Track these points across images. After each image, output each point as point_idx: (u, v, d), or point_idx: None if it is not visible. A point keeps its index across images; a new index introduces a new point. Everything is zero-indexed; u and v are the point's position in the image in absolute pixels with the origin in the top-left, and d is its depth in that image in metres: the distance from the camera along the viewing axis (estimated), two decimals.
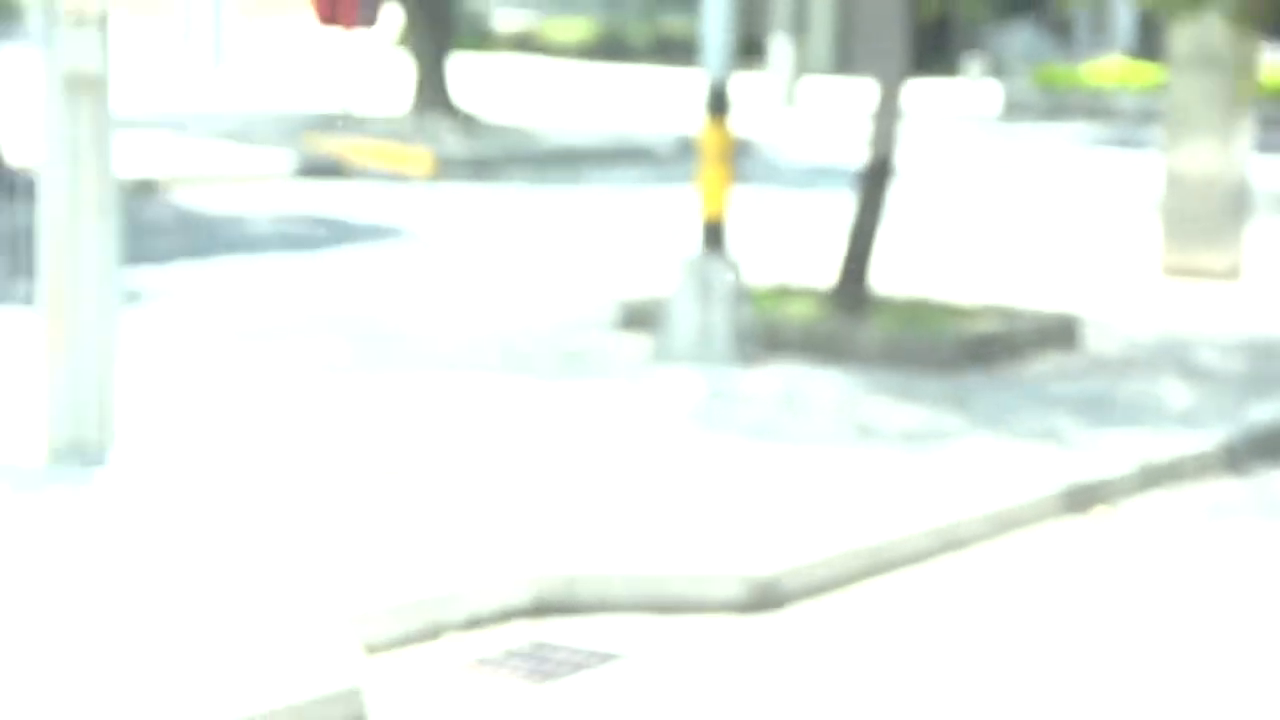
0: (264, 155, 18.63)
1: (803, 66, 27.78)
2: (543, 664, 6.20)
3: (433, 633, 6.35)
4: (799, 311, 11.16)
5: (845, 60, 31.18)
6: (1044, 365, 10.86)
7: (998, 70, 30.56)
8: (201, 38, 25.60)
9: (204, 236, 14.63)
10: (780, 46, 27.13)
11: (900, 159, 11.65)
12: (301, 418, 8.76)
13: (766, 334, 10.75)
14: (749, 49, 24.46)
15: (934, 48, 27.53)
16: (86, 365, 7.69)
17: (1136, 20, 33.46)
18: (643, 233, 15.17)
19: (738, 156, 11.41)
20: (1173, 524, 8.21)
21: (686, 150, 21.14)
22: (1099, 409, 9.73)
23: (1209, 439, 9.18)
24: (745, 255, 11.06)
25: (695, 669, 6.23)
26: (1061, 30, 33.42)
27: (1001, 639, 6.63)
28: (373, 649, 6.12)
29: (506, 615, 6.55)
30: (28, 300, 8.09)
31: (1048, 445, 8.89)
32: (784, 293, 11.58)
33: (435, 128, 21.20)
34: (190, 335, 10.61)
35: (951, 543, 7.65)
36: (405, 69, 23.00)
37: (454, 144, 20.32)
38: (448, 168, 19.16)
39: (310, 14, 21.75)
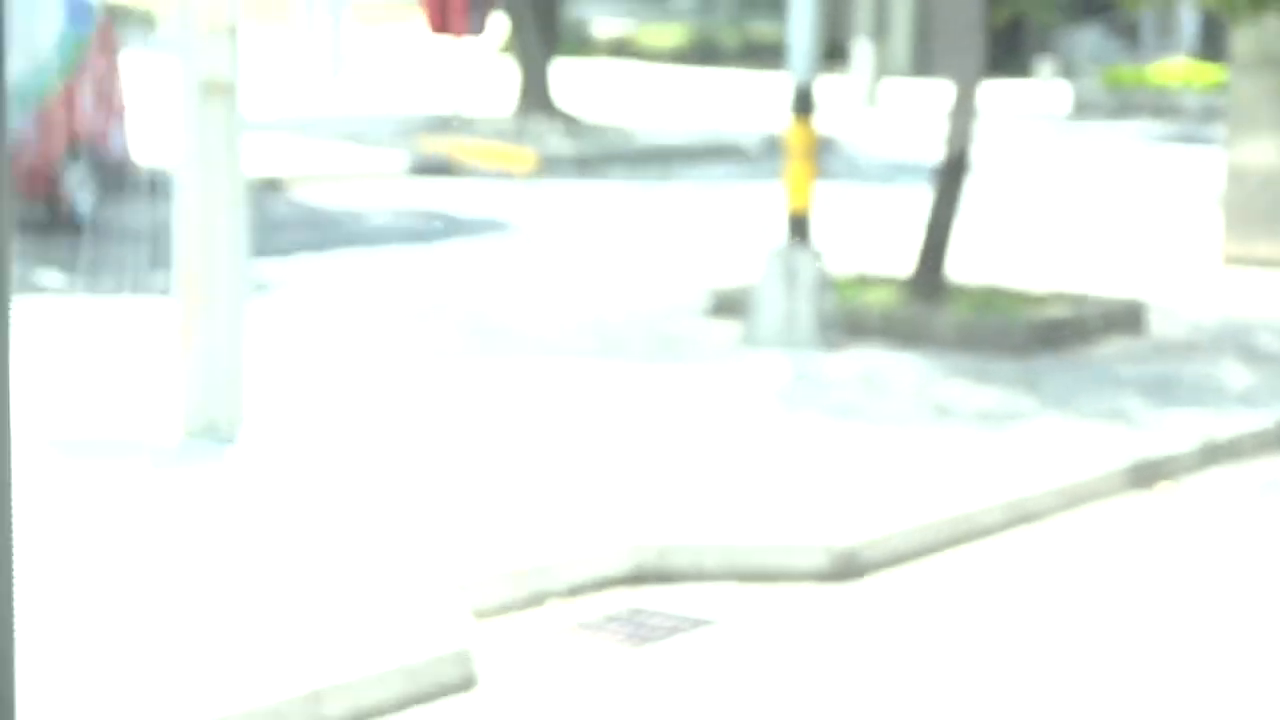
0: (380, 155, 18.72)
1: (883, 69, 27.65)
2: (640, 629, 6.21)
3: (537, 599, 6.38)
4: (879, 299, 11.11)
5: (923, 63, 31.01)
6: (1111, 349, 10.78)
7: (1068, 71, 30.31)
8: (322, 47, 25.74)
9: (325, 231, 14.72)
10: (862, 50, 27.00)
11: (975, 155, 11.57)
12: (415, 399, 8.80)
13: (848, 320, 10.72)
14: (832, 53, 24.33)
15: (1007, 50, 27.31)
16: (218, 350, 7.75)
17: (1200, 23, 33.11)
18: (732, 225, 15.15)
19: (821, 154, 11.36)
20: (1232, 499, 8.14)
21: (774, 148, 21.09)
22: (1163, 390, 9.66)
23: (1267, 418, 9.09)
24: (828, 246, 11.02)
25: (781, 634, 6.23)
26: (1129, 33, 33.11)
27: (1069, 609, 6.60)
28: (482, 614, 6.15)
29: (605, 583, 6.56)
30: (164, 290, 8.16)
31: (1114, 424, 8.83)
32: (865, 281, 11.54)
33: (538, 128, 21.24)
34: (312, 322, 10.68)
35: (1023, 516, 7.61)
36: (510, 74, 23.04)
37: (556, 143, 20.35)
38: (550, 166, 19.19)
39: (422, 23, 21.81)
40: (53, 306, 10.44)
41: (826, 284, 10.57)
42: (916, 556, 7.09)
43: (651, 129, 22.40)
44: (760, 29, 32.28)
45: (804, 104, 10.58)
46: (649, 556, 6.70)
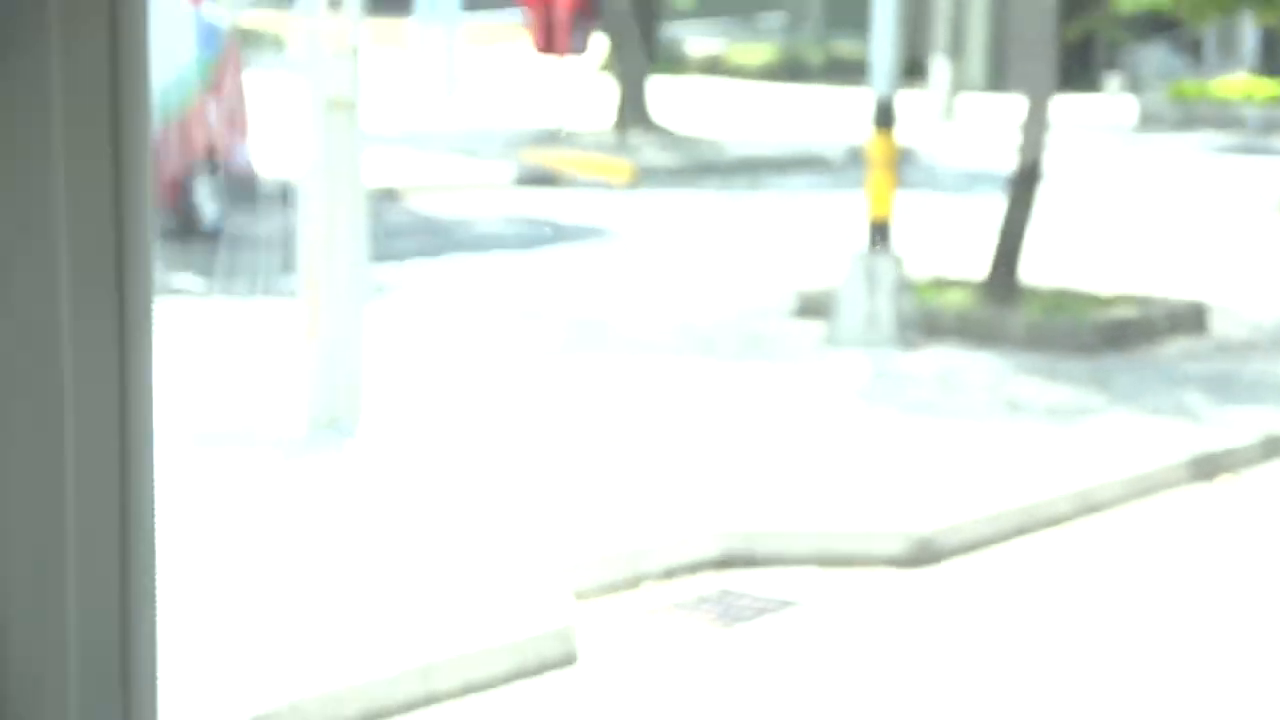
0: (488, 167, 18.80)
1: (959, 84, 27.50)
2: (729, 609, 6.22)
3: (634, 581, 6.39)
4: (955, 300, 11.06)
5: (998, 78, 30.81)
6: (1175, 348, 10.69)
7: (1134, 86, 30.04)
8: (437, 67, 25.88)
9: (437, 237, 14.80)
10: (939, 66, 26.87)
11: (1047, 165, 11.50)
12: (520, 394, 8.84)
13: (926, 321, 10.68)
14: (912, 69, 24.23)
15: (1078, 66, 27.10)
16: (339, 349, 7.81)
17: (1261, 40, 32.73)
18: (817, 232, 15.12)
19: (901, 164, 11.32)
20: None
21: (856, 159, 21.03)
22: (1224, 387, 9.56)
23: None
24: (907, 251, 10.98)
25: (861, 616, 6.22)
26: (1192, 50, 32.78)
27: (1134, 595, 6.55)
28: (582, 595, 6.17)
29: (697, 567, 6.57)
30: (290, 293, 8.25)
31: (1178, 419, 8.75)
32: (941, 284, 11.49)
33: (635, 141, 21.26)
34: (426, 323, 10.75)
35: (1090, 506, 7.57)
36: (610, 90, 23.08)
37: (652, 155, 20.37)
38: (646, 176, 19.21)
39: (529, 44, 21.91)
40: (189, 308, 10.56)
41: (905, 287, 10.53)
42: (989, 544, 7.06)
43: (741, 141, 22.38)
44: (844, 47, 32.18)
45: (885, 117, 10.55)
46: (738, 542, 6.71)
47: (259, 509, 6.68)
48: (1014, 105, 13.72)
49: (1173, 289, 12.36)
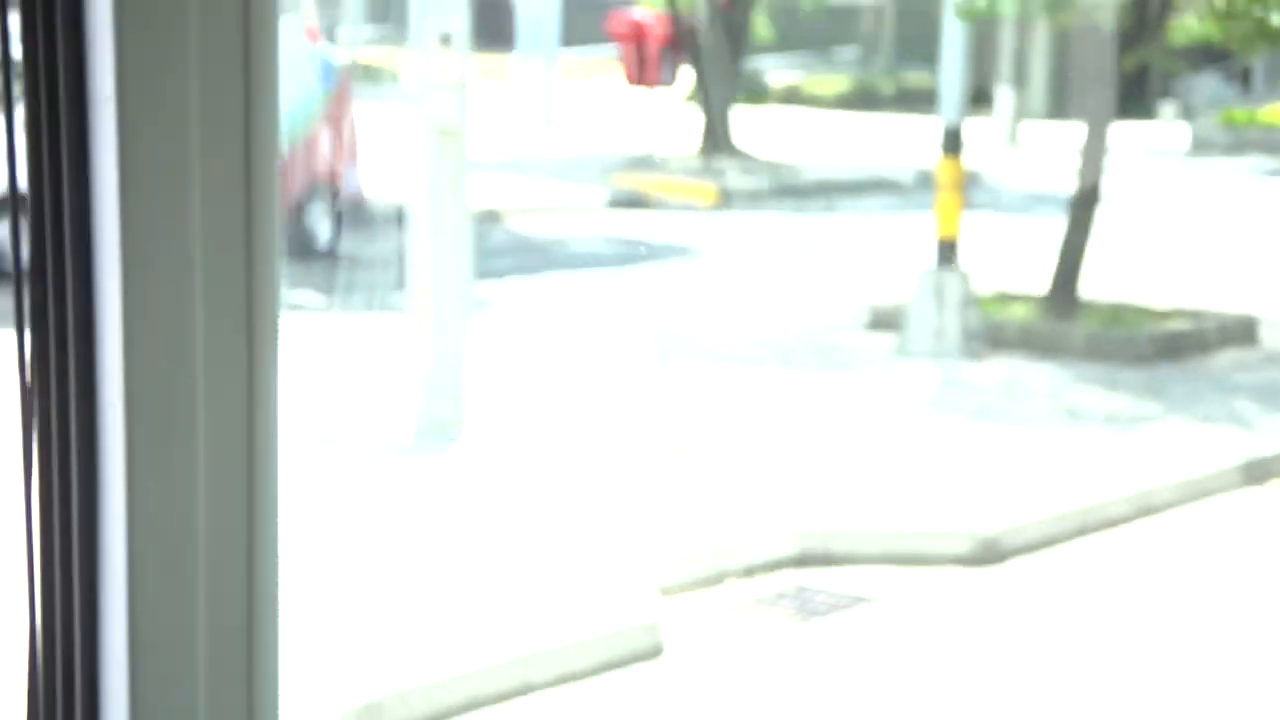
0: (582, 191, 18.85)
1: (1022, 112, 27.31)
2: (806, 605, 6.20)
3: (716, 579, 6.38)
4: (1018, 314, 10.99)
5: (1059, 107, 30.58)
6: (1226, 359, 10.56)
7: (1187, 113, 29.74)
8: (536, 99, 25.98)
9: (535, 256, 14.85)
10: (1004, 96, 26.70)
11: (1105, 187, 11.40)
12: (611, 402, 8.85)
13: (991, 333, 10.61)
14: (978, 98, 24.11)
15: (1134, 95, 26.85)
16: (444, 360, 7.85)
17: None
18: (888, 250, 15.06)
19: (968, 187, 11.27)
20: None
21: (926, 182, 20.94)
22: (1275, 395, 9.43)
23: None
24: (974, 268, 10.92)
25: (931, 611, 6.19)
26: (1242, 79, 32.41)
27: (1189, 593, 6.48)
28: (667, 591, 6.17)
29: (776, 565, 6.56)
30: (398, 308, 8.31)
31: (1230, 426, 8.65)
32: (1006, 298, 11.41)
33: (719, 166, 21.25)
34: (524, 336, 10.79)
35: (1147, 508, 7.49)
36: (695, 119, 23.09)
37: (734, 179, 20.35)
38: (729, 199, 19.19)
39: (621, 76, 21.98)
40: (309, 322, 10.65)
41: (971, 301, 10.47)
42: (1051, 544, 7.00)
43: (818, 166, 22.33)
44: (914, 78, 32.06)
45: (953, 143, 10.50)
46: (814, 541, 6.68)
47: (371, 508, 6.72)
48: (1074, 132, 13.60)
49: (1224, 303, 12.21)
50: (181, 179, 1.18)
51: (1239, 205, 19.81)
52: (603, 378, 9.48)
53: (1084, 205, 11.12)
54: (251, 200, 1.21)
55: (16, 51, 1.19)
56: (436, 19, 7.72)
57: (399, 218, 8.43)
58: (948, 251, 10.53)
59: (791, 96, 32.98)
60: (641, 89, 21.23)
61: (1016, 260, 14.01)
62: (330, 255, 13.16)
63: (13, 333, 1.22)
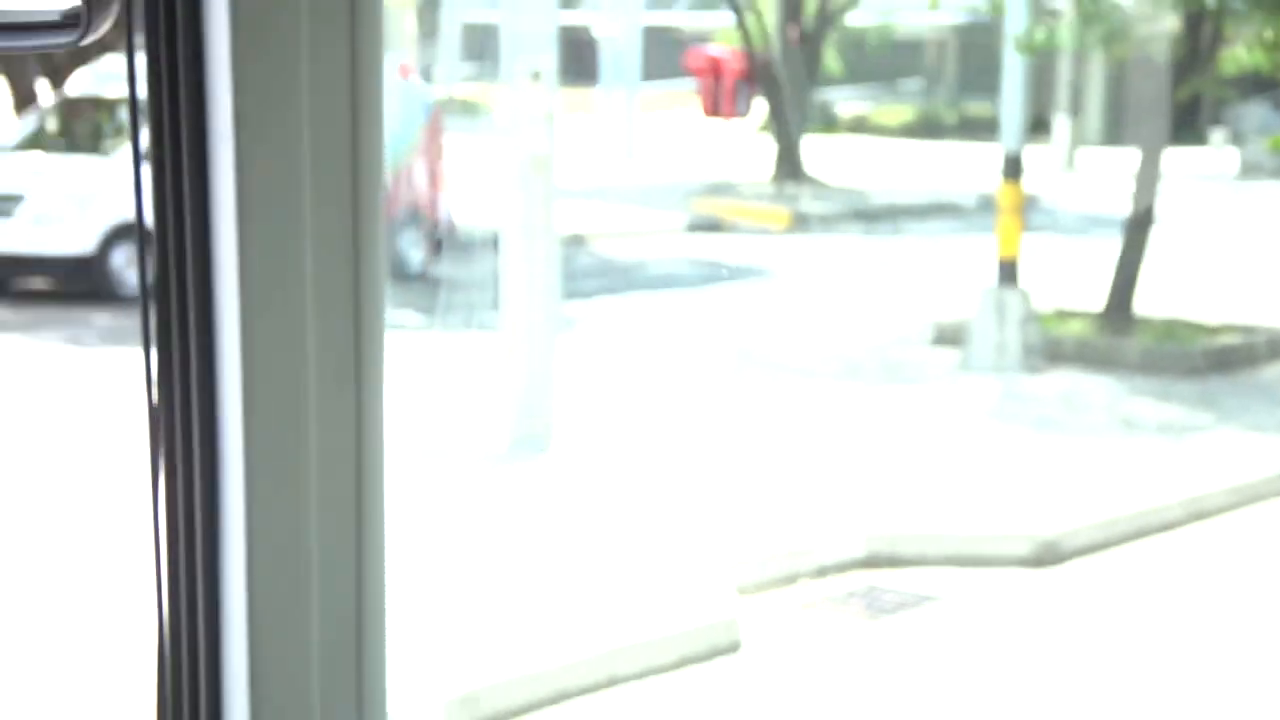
0: (662, 216, 18.86)
1: (1079, 139, 27.10)
2: (875, 603, 6.17)
3: (790, 579, 6.37)
4: (1076, 330, 10.89)
5: (1114, 133, 30.30)
6: (1276, 371, 10.41)
7: (1237, 139, 29.41)
8: (619, 130, 26.04)
9: (618, 278, 14.87)
10: (1061, 123, 26.49)
11: (1158, 210, 11.29)
12: (691, 413, 8.85)
13: (1049, 348, 10.52)
14: (1036, 126, 23.94)
15: (1185, 122, 26.56)
16: (535, 375, 7.87)
17: None
18: (951, 270, 14.97)
19: (1027, 210, 11.21)
20: None
21: (987, 206, 20.80)
22: None
23: None
24: (1033, 286, 10.84)
25: (994, 609, 6.14)
26: None
27: (1240, 591, 6.39)
28: (745, 590, 6.16)
29: (846, 566, 6.53)
30: (491, 326, 8.36)
31: (1279, 436, 8.53)
32: (1064, 315, 11.32)
33: (792, 192, 21.21)
34: (609, 352, 10.80)
35: (1199, 513, 7.40)
36: (768, 147, 23.06)
37: (805, 204, 20.31)
38: (801, 222, 19.14)
39: (699, 108, 22.00)
40: (409, 340, 10.72)
41: (1031, 318, 10.39)
42: (1108, 546, 6.93)
43: (885, 191, 22.24)
44: (976, 108, 31.88)
45: (1013, 169, 10.43)
46: (882, 544, 6.65)
47: (469, 513, 6.75)
48: (1128, 157, 13.48)
49: (1273, 318, 12.04)
50: (293, 208, 1.20)
51: None
52: (683, 390, 9.47)
53: (1138, 226, 11.01)
54: (358, 227, 1.22)
55: (142, 91, 1.21)
56: (527, 57, 7.76)
57: (493, 242, 8.47)
58: (1008, 271, 10.45)
59: (859, 126, 32.87)
60: (718, 120, 21.23)
61: (1074, 279, 13.89)
62: (422, 278, 13.25)
63: (135, 350, 1.23)
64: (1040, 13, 13.46)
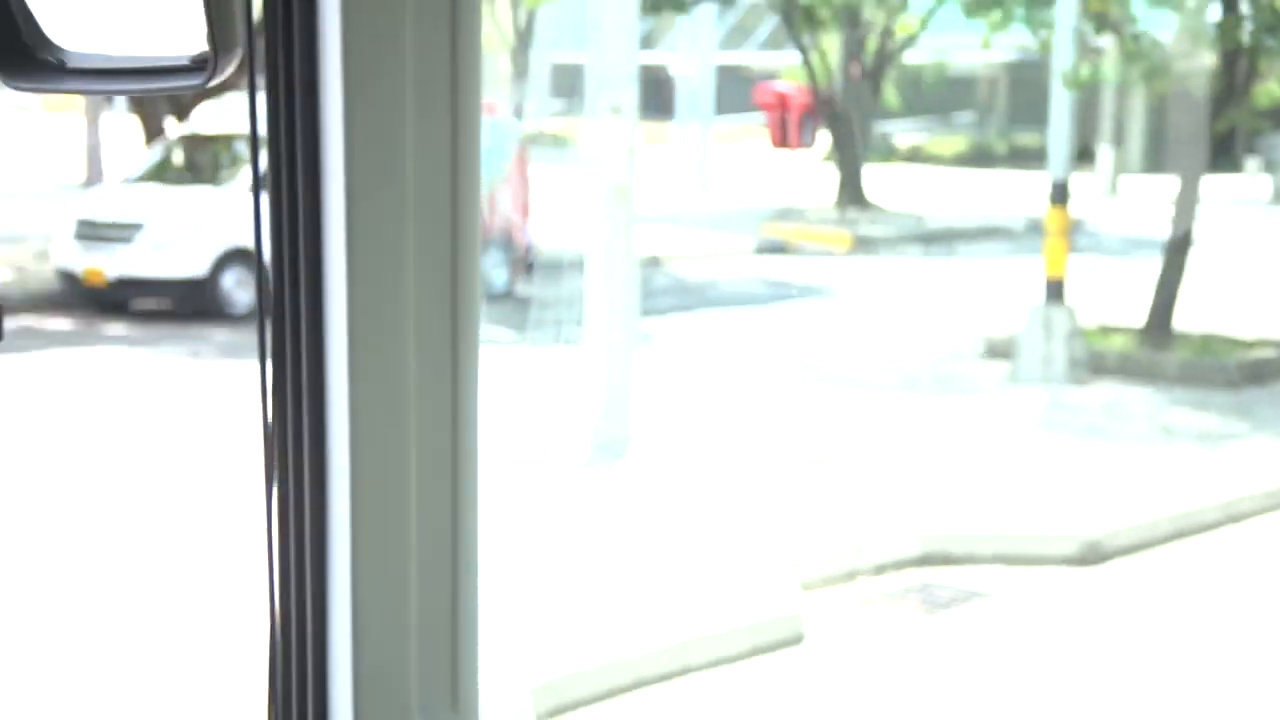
0: (733, 239, 18.84)
1: (1121, 167, 26.82)
2: (930, 599, 6.13)
3: (849, 576, 6.34)
4: (1118, 344, 10.78)
5: (1154, 162, 29.97)
6: None
7: (1270, 167, 29.01)
8: (693, 160, 26.04)
9: (692, 296, 14.87)
10: (1105, 153, 26.24)
11: (1196, 233, 11.16)
12: (760, 422, 8.83)
13: (1093, 361, 10.42)
14: (1082, 155, 23.75)
15: (1222, 151, 26.23)
16: (615, 387, 7.89)
17: None
18: (1002, 289, 14.85)
19: (1073, 233, 11.13)
20: None
21: (1035, 229, 20.62)
22: None
23: None
24: (1078, 304, 10.74)
25: (1042, 605, 6.09)
26: None
27: (1271, 587, 6.30)
28: (808, 586, 6.14)
29: (902, 564, 6.50)
30: (575, 342, 8.39)
31: None
32: (1107, 331, 11.20)
33: (853, 217, 21.12)
34: (683, 365, 10.80)
35: (1235, 515, 7.30)
36: (831, 176, 22.98)
37: (866, 228, 20.22)
38: (861, 245, 19.06)
39: (767, 140, 21.95)
40: (499, 355, 10.77)
41: (1077, 333, 10.30)
42: (1148, 546, 6.85)
43: (939, 216, 22.11)
44: (1025, 138, 31.65)
45: (1060, 195, 10.34)
46: (936, 543, 6.61)
47: (553, 515, 6.77)
48: (1168, 184, 13.33)
49: None
50: (397, 235, 1.21)
51: None
52: (751, 401, 9.46)
53: (1177, 248, 10.89)
54: (456, 252, 1.24)
55: (262, 127, 1.23)
56: (609, 93, 7.79)
57: (577, 264, 8.50)
58: (1055, 289, 10.37)
59: (915, 155, 32.69)
60: (784, 151, 21.20)
61: (1117, 297, 13.74)
62: (508, 297, 13.30)
63: (248, 363, 1.25)
64: (1085, 50, 13.34)
